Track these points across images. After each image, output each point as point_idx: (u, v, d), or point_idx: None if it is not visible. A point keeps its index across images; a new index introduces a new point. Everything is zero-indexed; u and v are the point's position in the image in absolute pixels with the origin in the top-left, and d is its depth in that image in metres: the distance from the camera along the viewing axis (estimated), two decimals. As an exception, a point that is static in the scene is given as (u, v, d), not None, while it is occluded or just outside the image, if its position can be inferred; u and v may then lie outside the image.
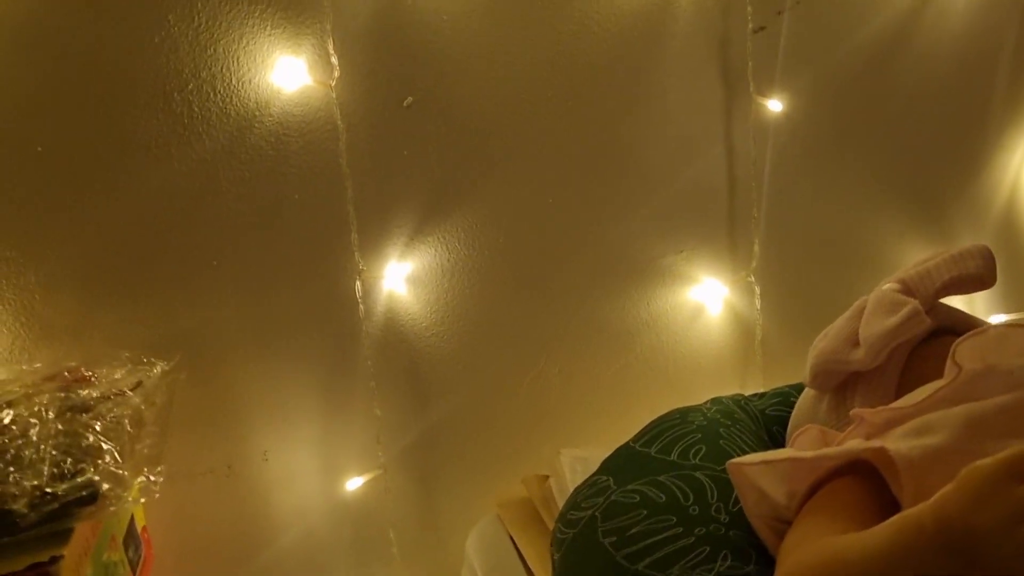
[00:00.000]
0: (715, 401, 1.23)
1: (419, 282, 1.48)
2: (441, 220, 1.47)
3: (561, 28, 1.47)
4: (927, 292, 1.02)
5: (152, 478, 1.13)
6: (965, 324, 1.05)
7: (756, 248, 1.62)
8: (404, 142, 1.42)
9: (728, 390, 1.37)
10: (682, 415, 1.15)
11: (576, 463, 1.32)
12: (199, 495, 1.43)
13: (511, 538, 1.36)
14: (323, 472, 1.48)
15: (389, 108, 1.40)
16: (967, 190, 1.80)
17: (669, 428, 1.11)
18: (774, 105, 1.57)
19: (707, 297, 1.64)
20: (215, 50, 1.30)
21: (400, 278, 1.46)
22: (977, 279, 1.01)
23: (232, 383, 1.41)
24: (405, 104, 1.41)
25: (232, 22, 1.30)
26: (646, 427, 1.16)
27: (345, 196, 1.39)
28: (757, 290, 1.64)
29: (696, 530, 0.91)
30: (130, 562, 1.20)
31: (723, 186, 1.61)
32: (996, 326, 0.88)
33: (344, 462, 1.48)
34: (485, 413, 1.55)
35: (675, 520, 0.92)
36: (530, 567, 1.28)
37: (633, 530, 0.92)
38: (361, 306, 1.42)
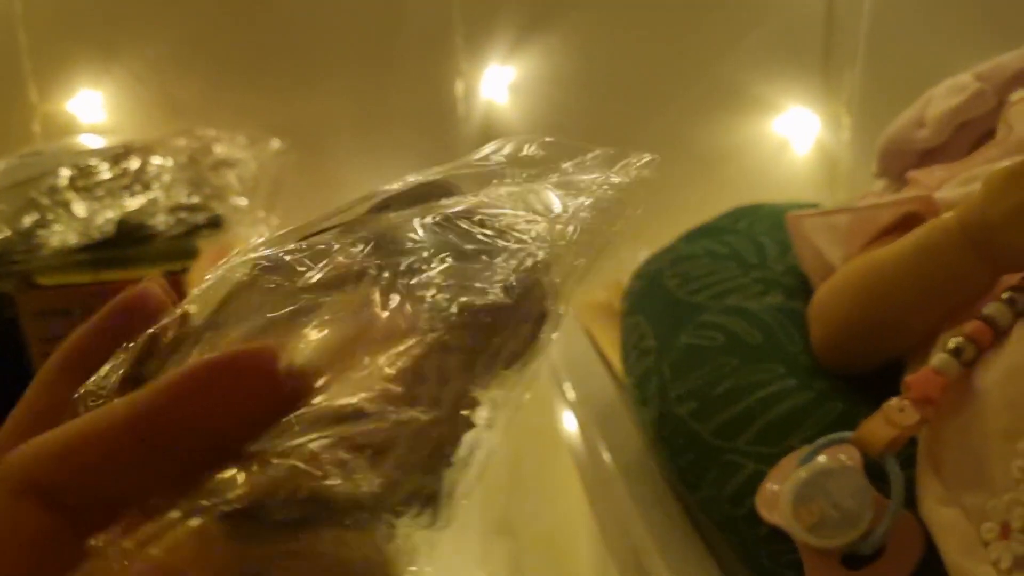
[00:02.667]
0: (791, 203, 1.29)
1: (519, 90, 1.55)
2: (546, 30, 1.53)
3: None
4: (998, 80, 1.04)
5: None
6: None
7: (850, 79, 1.63)
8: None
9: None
10: (755, 206, 1.22)
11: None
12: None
13: (588, 333, 1.45)
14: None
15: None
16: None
17: (740, 210, 1.18)
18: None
19: (794, 130, 1.67)
20: None
21: (502, 84, 1.53)
22: (1052, 68, 1.03)
23: (334, 171, 1.52)
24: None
25: None
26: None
27: (452, 1, 1.46)
28: (847, 122, 1.66)
29: (752, 274, 0.98)
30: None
31: (821, 14, 1.62)
32: (1054, 87, 0.92)
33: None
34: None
35: (734, 265, 1.00)
36: (603, 354, 1.37)
37: (695, 273, 1.00)
38: (460, 107, 1.51)
